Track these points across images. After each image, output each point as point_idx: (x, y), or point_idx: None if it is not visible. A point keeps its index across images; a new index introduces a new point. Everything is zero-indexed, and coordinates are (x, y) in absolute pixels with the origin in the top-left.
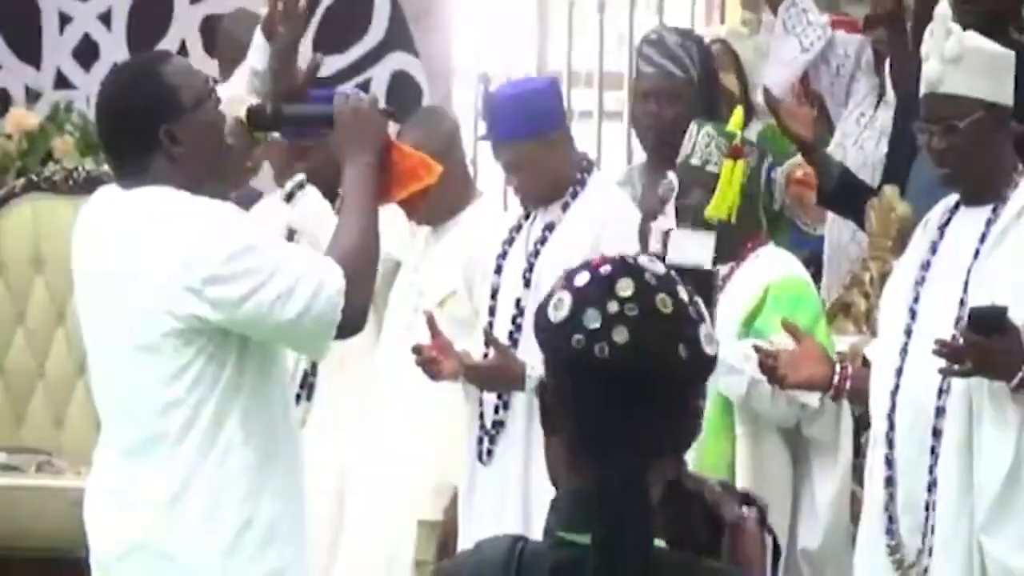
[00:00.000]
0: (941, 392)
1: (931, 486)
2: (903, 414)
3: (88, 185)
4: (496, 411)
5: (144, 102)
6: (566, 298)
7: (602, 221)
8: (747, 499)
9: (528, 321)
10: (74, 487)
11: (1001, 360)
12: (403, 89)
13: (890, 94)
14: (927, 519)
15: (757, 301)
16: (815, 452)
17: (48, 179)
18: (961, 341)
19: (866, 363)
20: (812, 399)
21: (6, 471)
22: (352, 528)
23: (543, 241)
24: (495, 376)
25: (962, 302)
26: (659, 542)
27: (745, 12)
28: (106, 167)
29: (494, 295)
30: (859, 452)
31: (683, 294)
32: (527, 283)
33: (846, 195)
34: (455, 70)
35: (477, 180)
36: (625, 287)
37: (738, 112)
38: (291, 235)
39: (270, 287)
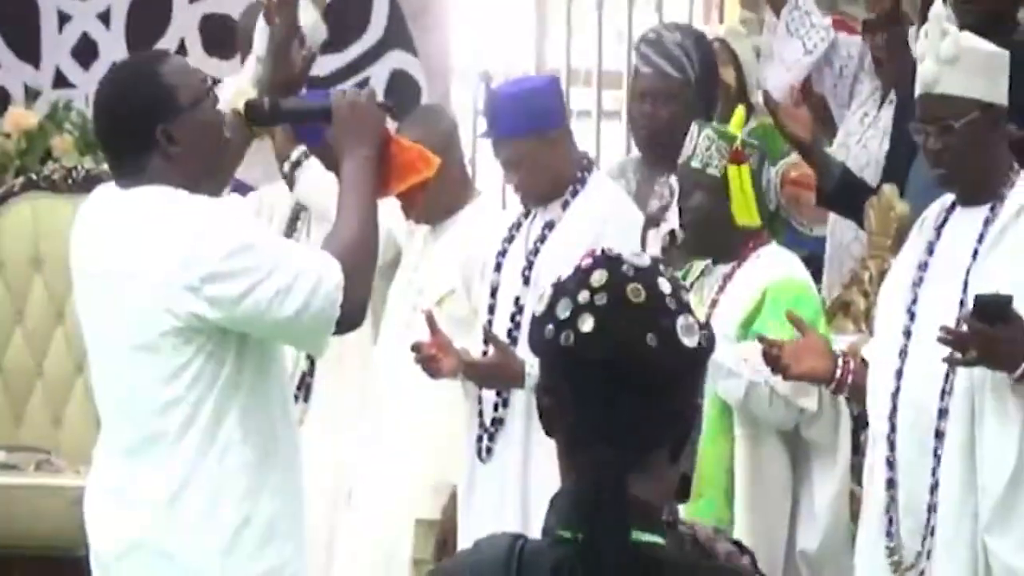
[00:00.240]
0: (943, 393)
1: (933, 488)
2: (904, 416)
3: (87, 184)
4: (495, 409)
5: (141, 102)
6: (548, 292)
7: (602, 219)
8: (740, 547)
9: (527, 319)
10: (73, 486)
11: (1005, 349)
12: (402, 88)
13: (894, 94)
14: (928, 521)
15: (755, 303)
16: (814, 454)
17: (47, 178)
18: (965, 328)
19: (865, 362)
20: (810, 403)
21: (5, 470)
22: (350, 527)
23: (543, 239)
24: (495, 374)
25: (962, 303)
26: (658, 539)
27: (744, 11)
28: (105, 166)
29: (494, 293)
30: (858, 451)
31: (664, 286)
32: (526, 281)
33: (847, 195)
34: (454, 69)
35: (476, 179)
36: (599, 278)
37: (739, 112)
38: (297, 213)
39: (268, 284)
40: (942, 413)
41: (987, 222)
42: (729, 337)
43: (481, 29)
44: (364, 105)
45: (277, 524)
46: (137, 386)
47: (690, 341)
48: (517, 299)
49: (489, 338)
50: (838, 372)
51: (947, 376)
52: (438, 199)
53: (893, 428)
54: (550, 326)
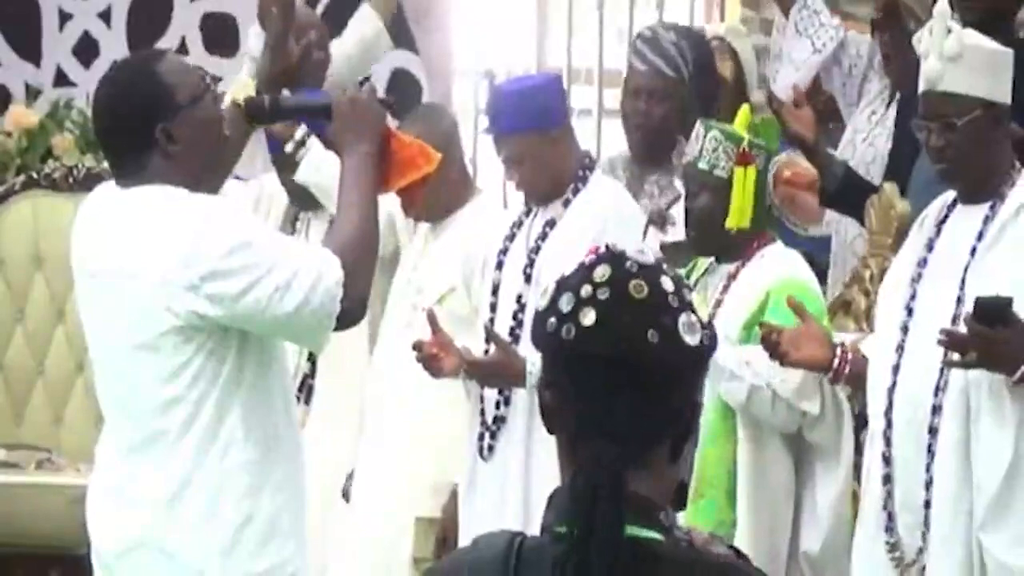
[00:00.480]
0: (938, 390)
1: (928, 484)
2: (900, 412)
3: (88, 182)
4: (497, 407)
5: (140, 101)
6: (550, 287)
7: (604, 217)
8: (736, 552)
9: (529, 317)
10: (73, 484)
11: (1004, 352)
12: (403, 86)
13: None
14: (925, 517)
15: (759, 304)
16: (817, 456)
17: (48, 176)
18: (965, 330)
19: (865, 356)
20: (813, 406)
21: (6, 468)
22: (350, 525)
23: (544, 237)
24: (496, 372)
25: (959, 300)
26: (655, 535)
27: (745, 10)
28: (106, 164)
29: (495, 291)
30: (859, 450)
31: (666, 284)
32: (528, 279)
33: (850, 195)
34: (455, 68)
35: (476, 177)
36: (602, 273)
37: (744, 110)
38: (297, 214)
39: (268, 281)
40: (936, 409)
41: (987, 220)
42: (731, 338)
43: (482, 28)
44: (364, 101)
45: (279, 522)
46: (138, 385)
47: (692, 339)
48: (519, 297)
49: (491, 336)
50: (836, 361)
51: (941, 372)
52: (438, 197)
53: (889, 424)
54: (552, 320)
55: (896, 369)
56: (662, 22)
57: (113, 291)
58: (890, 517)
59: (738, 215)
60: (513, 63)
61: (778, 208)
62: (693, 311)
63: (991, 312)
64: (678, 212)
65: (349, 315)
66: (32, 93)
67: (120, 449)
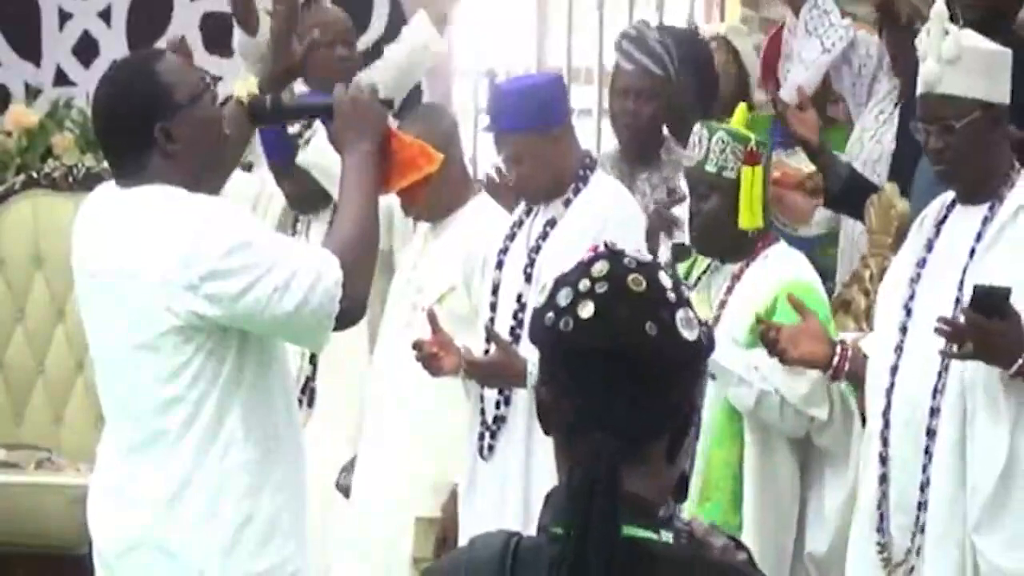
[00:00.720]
0: (936, 391)
1: (924, 485)
2: (898, 412)
3: (88, 182)
4: (497, 407)
5: (139, 101)
6: (549, 284)
7: (604, 217)
8: (737, 542)
9: (529, 317)
10: (73, 484)
11: (1000, 344)
12: None
13: None
14: (919, 519)
15: (766, 309)
16: (826, 460)
17: (48, 176)
18: (963, 320)
19: (865, 354)
20: (821, 412)
21: (6, 468)
22: (351, 525)
23: (545, 237)
24: (496, 372)
25: (957, 300)
26: (652, 535)
27: (744, 10)
28: (106, 164)
29: (495, 291)
30: None
31: (664, 280)
32: (528, 278)
33: (854, 196)
34: (455, 67)
35: (476, 177)
36: (600, 268)
37: (741, 109)
38: (297, 216)
39: (267, 281)
40: (935, 411)
41: (985, 221)
42: (738, 340)
43: (482, 28)
44: (365, 101)
45: (279, 522)
46: (138, 385)
47: (689, 334)
48: (519, 296)
49: (491, 336)
50: (835, 359)
51: (940, 374)
52: (439, 197)
53: (887, 424)
54: (550, 314)
55: (894, 370)
56: (644, 21)
57: (113, 291)
58: (882, 517)
59: (751, 216)
60: (513, 63)
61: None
62: (691, 307)
63: (989, 302)
64: (681, 213)
65: (348, 315)
66: (32, 93)
67: (121, 449)
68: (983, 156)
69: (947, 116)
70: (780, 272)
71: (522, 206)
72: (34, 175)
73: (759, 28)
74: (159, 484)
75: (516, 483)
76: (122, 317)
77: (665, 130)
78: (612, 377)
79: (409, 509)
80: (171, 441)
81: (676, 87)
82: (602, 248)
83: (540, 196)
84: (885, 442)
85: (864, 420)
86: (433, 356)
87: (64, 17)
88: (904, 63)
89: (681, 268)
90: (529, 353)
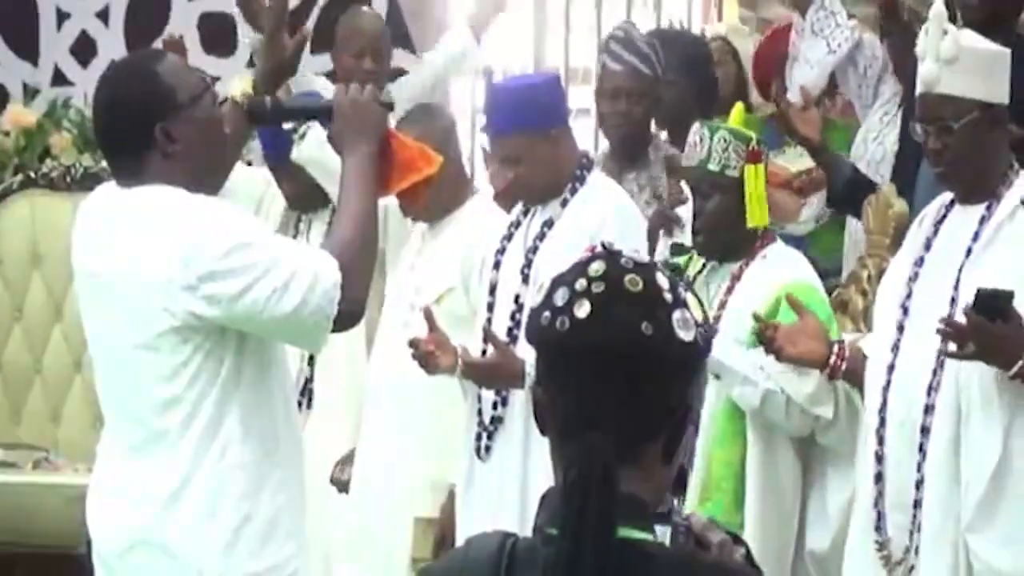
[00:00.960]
0: (931, 389)
1: (920, 484)
2: (894, 410)
3: (86, 182)
4: (495, 407)
5: (139, 100)
6: (545, 284)
7: (601, 218)
8: (735, 537)
9: (526, 317)
10: (71, 484)
11: (1001, 346)
12: None
13: None
14: (915, 517)
15: (769, 309)
16: (830, 459)
17: (46, 176)
18: (965, 321)
19: (864, 353)
20: (827, 411)
21: (3, 468)
22: (349, 525)
23: (542, 237)
24: (494, 373)
25: (954, 300)
26: (647, 536)
27: (742, 10)
28: (104, 164)
29: (493, 291)
30: None
31: (662, 281)
32: (525, 279)
33: (857, 195)
34: None
35: (474, 177)
36: (597, 268)
37: (738, 108)
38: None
39: (265, 282)
40: (929, 409)
41: (983, 220)
42: (740, 340)
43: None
44: (365, 102)
45: (278, 522)
46: (137, 385)
47: (686, 335)
48: (517, 297)
49: (488, 337)
50: (832, 358)
51: (935, 372)
52: (436, 198)
53: (883, 422)
54: (547, 313)
55: (891, 368)
56: (630, 22)
57: (112, 291)
58: (880, 516)
59: (757, 213)
60: (511, 62)
61: None
62: (688, 309)
63: (992, 304)
64: (683, 213)
65: (347, 317)
66: (30, 92)
67: (120, 448)
68: (982, 156)
69: (945, 116)
70: (781, 272)
71: (519, 207)
72: (32, 175)
73: (757, 29)
74: (158, 484)
75: (513, 484)
76: (121, 317)
77: (653, 127)
78: (608, 377)
79: (407, 509)
80: (170, 441)
81: (675, 87)
82: (599, 248)
83: (537, 197)
84: (881, 440)
85: None
86: (429, 354)
87: (62, 17)
88: (904, 66)
89: (679, 259)
90: (526, 354)
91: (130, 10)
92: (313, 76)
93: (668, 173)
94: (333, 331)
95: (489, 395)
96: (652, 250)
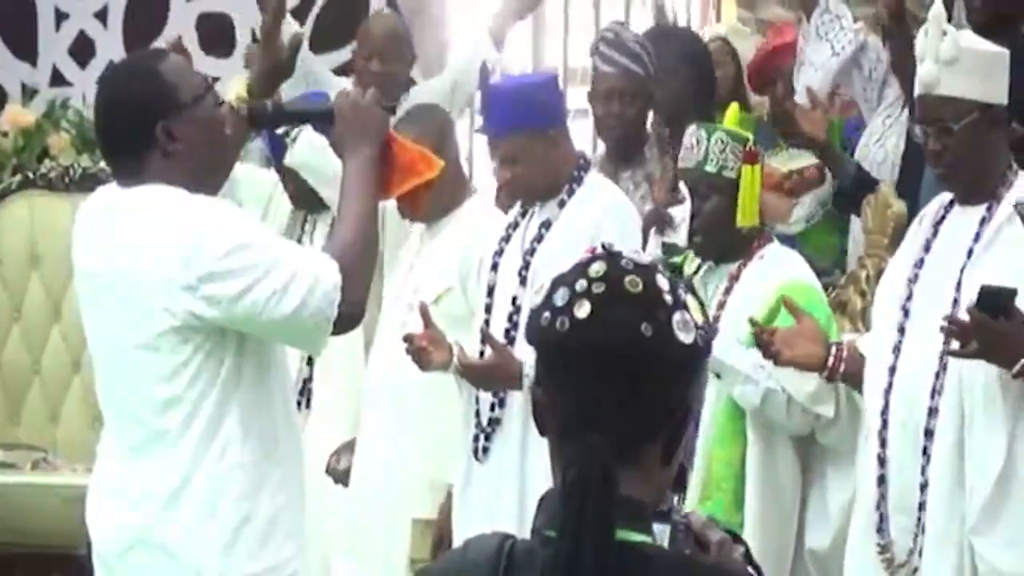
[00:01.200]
0: (934, 392)
1: (924, 486)
2: (896, 412)
3: (84, 182)
4: (492, 408)
5: (141, 100)
6: (545, 284)
7: (599, 218)
8: (734, 536)
9: (524, 319)
10: (70, 484)
11: (1005, 344)
12: None
13: None
14: (919, 519)
15: (769, 309)
16: (830, 458)
17: (44, 176)
18: (968, 319)
19: (862, 354)
20: (828, 410)
21: (2, 468)
22: (348, 525)
23: (540, 238)
24: (491, 375)
25: (955, 301)
26: (646, 539)
27: (740, 11)
28: (103, 164)
29: (490, 292)
30: None
31: (662, 283)
32: (523, 281)
33: (861, 194)
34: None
35: (472, 177)
36: (597, 269)
37: (733, 108)
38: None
39: (265, 283)
40: (932, 411)
41: (983, 221)
42: (740, 340)
43: (478, 28)
44: (367, 106)
45: (278, 523)
46: (138, 385)
47: (686, 337)
48: (514, 299)
49: (486, 338)
50: (831, 360)
51: (937, 375)
52: (434, 198)
53: (885, 425)
54: (546, 314)
55: (892, 370)
56: (621, 23)
57: (113, 291)
58: (882, 518)
59: (748, 213)
60: (508, 62)
61: None
62: (688, 310)
63: (995, 301)
64: (677, 213)
65: (347, 319)
66: (28, 93)
67: (120, 448)
68: (981, 157)
69: (945, 117)
70: (780, 272)
71: (517, 207)
72: (30, 175)
73: (755, 30)
74: (158, 484)
75: (511, 485)
76: (121, 317)
77: (649, 127)
78: (607, 378)
79: (406, 510)
80: (170, 441)
81: (673, 79)
82: (600, 249)
83: (535, 197)
84: (883, 443)
85: None
86: (422, 350)
87: (60, 17)
88: (905, 68)
89: (676, 259)
90: (524, 355)
91: (128, 11)
92: (331, 75)
93: (660, 152)
94: (333, 333)
95: (487, 397)
96: (643, 248)
